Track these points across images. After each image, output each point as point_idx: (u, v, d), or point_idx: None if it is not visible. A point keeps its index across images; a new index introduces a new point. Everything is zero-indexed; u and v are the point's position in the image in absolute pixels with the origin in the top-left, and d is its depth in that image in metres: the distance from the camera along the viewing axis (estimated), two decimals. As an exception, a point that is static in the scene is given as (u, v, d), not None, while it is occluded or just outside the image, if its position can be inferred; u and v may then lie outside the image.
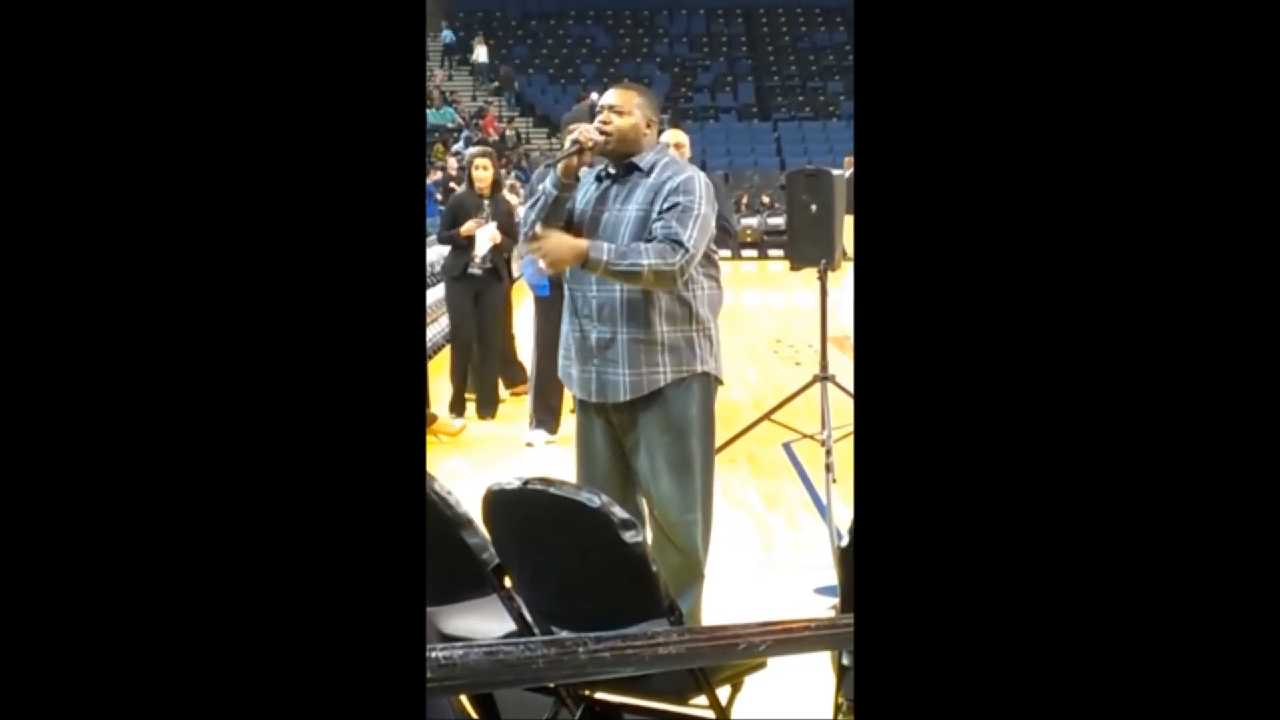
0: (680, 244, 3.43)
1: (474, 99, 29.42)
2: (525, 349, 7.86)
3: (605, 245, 3.46)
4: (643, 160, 3.58)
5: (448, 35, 30.42)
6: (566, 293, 3.68)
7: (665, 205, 3.49)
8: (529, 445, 6.94)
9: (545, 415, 6.99)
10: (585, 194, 3.63)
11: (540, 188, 3.63)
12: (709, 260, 3.67)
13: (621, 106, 3.58)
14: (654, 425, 3.57)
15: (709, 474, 3.68)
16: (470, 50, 30.49)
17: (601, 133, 3.54)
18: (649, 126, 3.61)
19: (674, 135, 6.69)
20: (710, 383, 3.66)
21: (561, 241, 3.49)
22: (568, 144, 3.59)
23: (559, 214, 3.57)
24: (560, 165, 3.55)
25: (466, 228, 7.51)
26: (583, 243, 3.47)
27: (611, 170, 3.62)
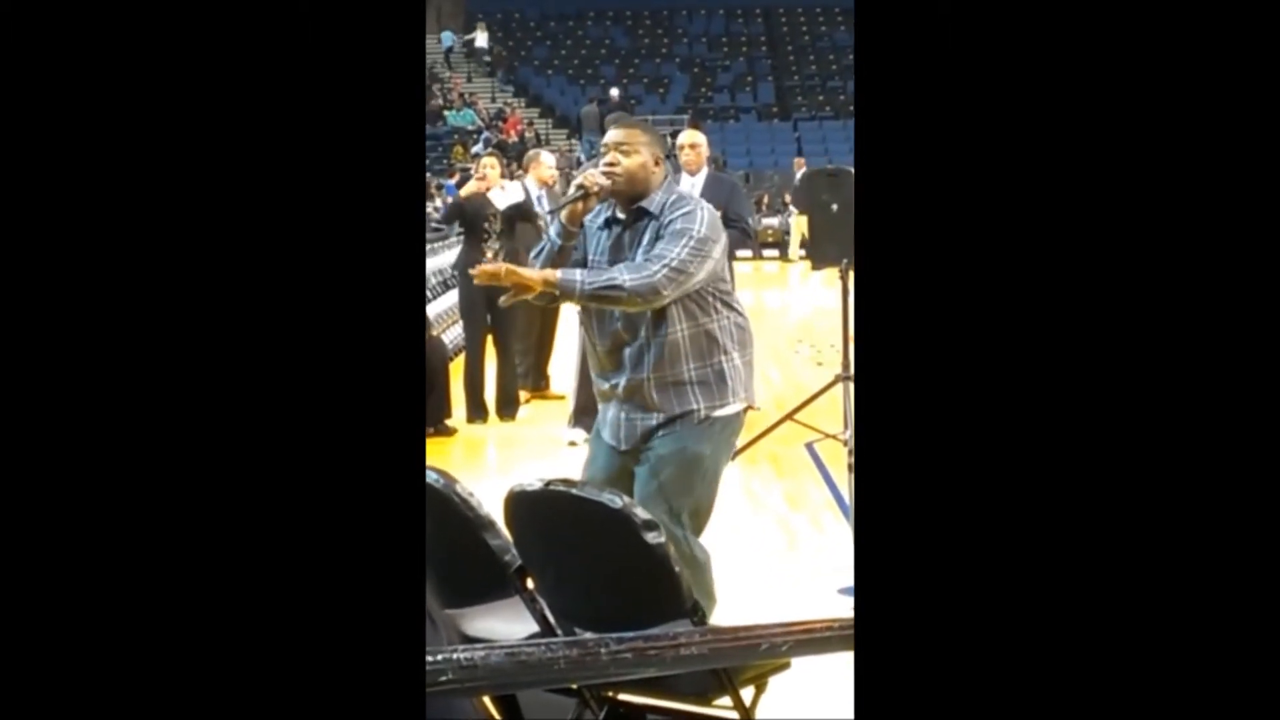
0: (658, 257, 3.31)
1: (494, 100, 29.47)
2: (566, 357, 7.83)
3: (577, 272, 3.33)
4: (652, 203, 3.44)
5: (447, 37, 30.43)
6: (589, 343, 3.59)
7: (664, 235, 3.38)
8: (571, 444, 6.92)
9: (584, 414, 6.97)
10: (598, 243, 3.51)
11: (545, 237, 3.54)
12: (726, 292, 3.53)
13: (628, 145, 3.43)
14: (662, 453, 3.48)
15: (704, 513, 3.56)
16: (482, 50, 30.59)
17: (608, 175, 3.41)
18: (656, 164, 3.47)
19: (690, 136, 6.66)
20: (733, 421, 3.55)
21: (520, 274, 3.34)
22: (572, 189, 3.46)
23: (565, 263, 3.46)
24: (565, 212, 3.44)
25: (467, 188, 7.53)
26: (551, 273, 3.33)
27: (620, 215, 3.48)
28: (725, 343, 3.50)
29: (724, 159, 21.63)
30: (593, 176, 3.42)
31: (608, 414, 3.58)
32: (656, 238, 3.39)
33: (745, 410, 3.57)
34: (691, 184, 6.42)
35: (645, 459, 3.51)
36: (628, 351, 3.47)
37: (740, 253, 7.54)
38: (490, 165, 7.75)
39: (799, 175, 20.65)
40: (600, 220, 3.53)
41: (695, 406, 3.46)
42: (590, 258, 3.50)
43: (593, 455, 3.69)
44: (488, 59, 30.24)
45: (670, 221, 3.39)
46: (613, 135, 3.50)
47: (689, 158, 6.53)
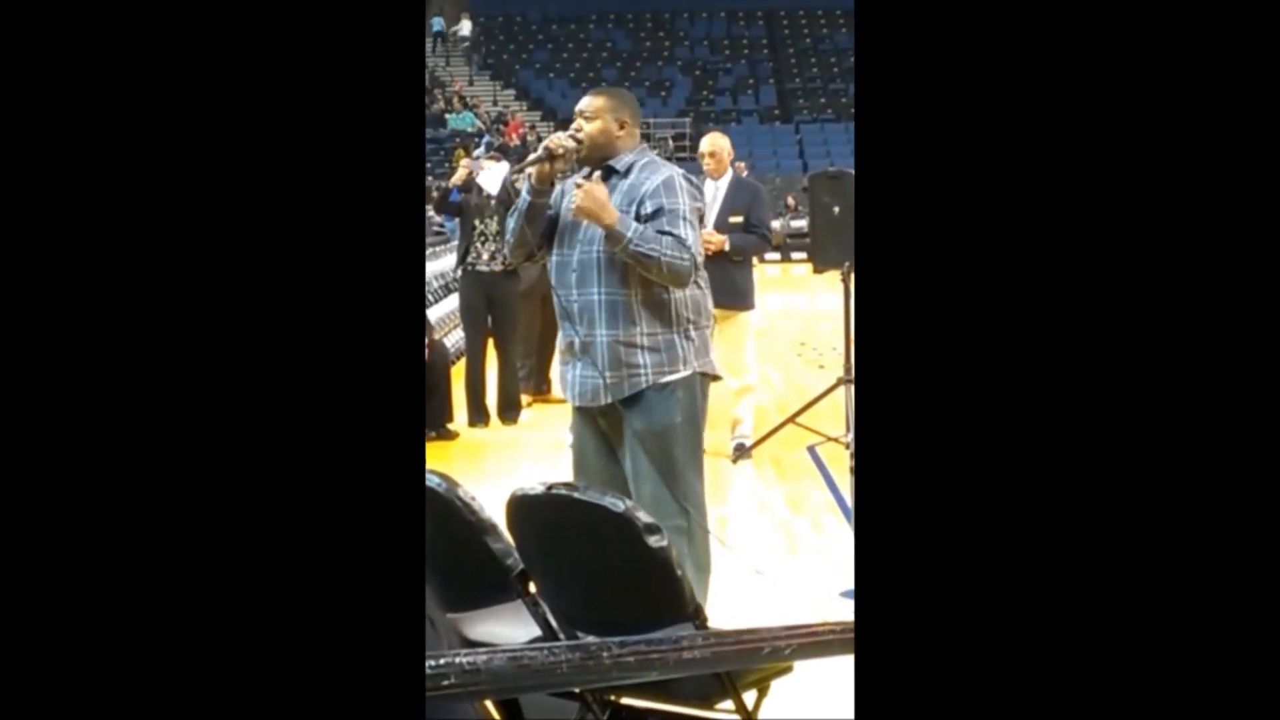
0: (685, 246, 3.49)
1: (495, 103, 29.49)
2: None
3: (632, 223, 3.49)
4: (619, 162, 3.62)
5: (437, 23, 30.47)
6: (554, 297, 3.73)
7: (649, 210, 3.53)
8: (571, 446, 6.90)
9: None
10: (570, 199, 3.66)
11: (519, 197, 3.72)
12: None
13: (589, 112, 3.63)
14: (637, 429, 3.60)
15: (695, 480, 3.69)
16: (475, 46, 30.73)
17: (572, 138, 3.60)
18: (621, 128, 3.64)
19: (711, 143, 6.63)
20: (695, 383, 3.66)
21: (599, 194, 3.51)
22: (539, 150, 3.63)
23: (537, 220, 3.63)
24: (533, 172, 3.60)
25: (457, 177, 7.53)
26: (615, 213, 3.50)
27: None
28: (680, 313, 3.62)
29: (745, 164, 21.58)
30: (558, 139, 3.62)
31: (567, 375, 3.71)
32: (636, 208, 3.53)
33: (697, 375, 3.66)
34: (715, 188, 6.42)
35: (624, 448, 3.63)
36: (577, 306, 3.59)
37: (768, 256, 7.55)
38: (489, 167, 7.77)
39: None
40: (580, 179, 3.68)
41: (642, 371, 3.57)
42: (562, 211, 3.65)
43: (577, 435, 3.80)
44: (465, 43, 30.38)
45: (650, 194, 3.54)
46: (580, 103, 3.70)
47: (709, 165, 6.53)
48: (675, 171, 3.65)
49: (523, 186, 3.68)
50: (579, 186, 3.53)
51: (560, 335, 3.72)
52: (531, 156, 3.65)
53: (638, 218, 3.52)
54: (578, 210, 3.52)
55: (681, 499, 3.60)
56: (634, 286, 3.56)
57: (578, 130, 3.61)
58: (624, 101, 3.72)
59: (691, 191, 3.62)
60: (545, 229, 3.65)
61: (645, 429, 3.59)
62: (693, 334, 3.64)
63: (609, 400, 3.60)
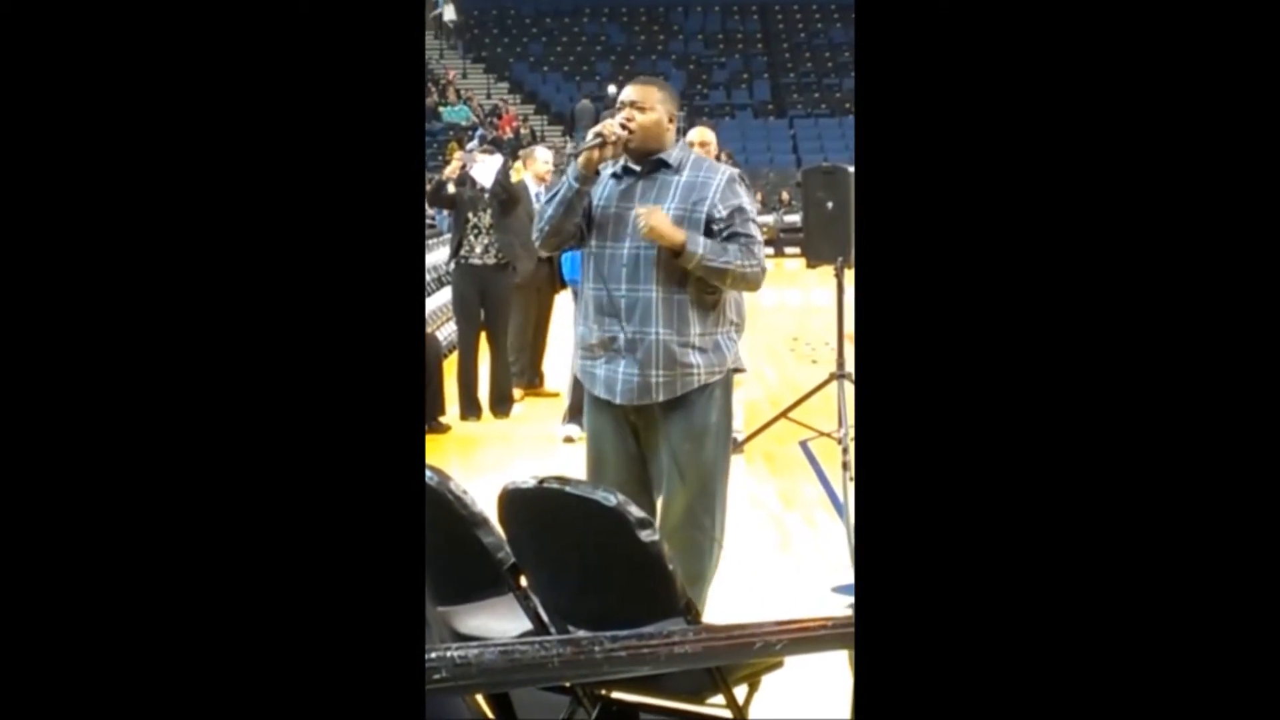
0: (753, 251, 3.49)
1: (489, 96, 29.45)
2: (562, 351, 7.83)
3: (700, 239, 3.46)
4: (670, 156, 3.57)
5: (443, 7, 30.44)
6: (588, 293, 3.64)
7: (724, 212, 3.50)
8: (567, 440, 6.88)
9: (579, 411, 6.95)
10: (605, 191, 3.59)
11: (561, 180, 3.63)
12: None
13: (644, 102, 3.55)
14: (677, 430, 3.57)
15: (722, 482, 3.71)
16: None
17: (625, 127, 3.51)
18: (670, 122, 3.59)
19: (699, 134, 6.64)
20: (730, 381, 3.68)
21: (666, 217, 3.47)
22: (589, 137, 3.55)
23: (578, 208, 3.55)
24: (581, 158, 3.52)
25: (450, 170, 7.52)
26: (681, 231, 3.46)
27: (634, 166, 3.58)
28: (729, 314, 3.61)
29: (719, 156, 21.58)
30: (611, 125, 3.53)
31: (599, 371, 3.61)
32: (707, 207, 3.49)
33: (730, 373, 3.68)
34: None
35: (660, 449, 3.58)
36: (626, 301, 3.52)
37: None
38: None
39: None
40: (608, 173, 3.61)
41: (695, 371, 3.54)
42: (596, 204, 3.58)
43: (597, 433, 3.71)
44: (451, 25, 30.31)
45: (721, 194, 3.51)
46: (629, 93, 3.60)
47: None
48: (732, 170, 3.64)
49: (568, 172, 3.60)
50: (641, 213, 3.47)
51: (595, 330, 3.59)
52: (585, 143, 3.56)
53: (709, 217, 3.49)
54: (649, 233, 3.45)
55: (710, 500, 3.62)
56: (690, 286, 3.51)
57: (629, 120, 3.52)
58: (672, 94, 3.68)
59: (749, 191, 3.64)
60: (580, 217, 3.58)
61: (684, 429, 3.56)
62: (734, 334, 3.65)
63: (661, 399, 3.54)
